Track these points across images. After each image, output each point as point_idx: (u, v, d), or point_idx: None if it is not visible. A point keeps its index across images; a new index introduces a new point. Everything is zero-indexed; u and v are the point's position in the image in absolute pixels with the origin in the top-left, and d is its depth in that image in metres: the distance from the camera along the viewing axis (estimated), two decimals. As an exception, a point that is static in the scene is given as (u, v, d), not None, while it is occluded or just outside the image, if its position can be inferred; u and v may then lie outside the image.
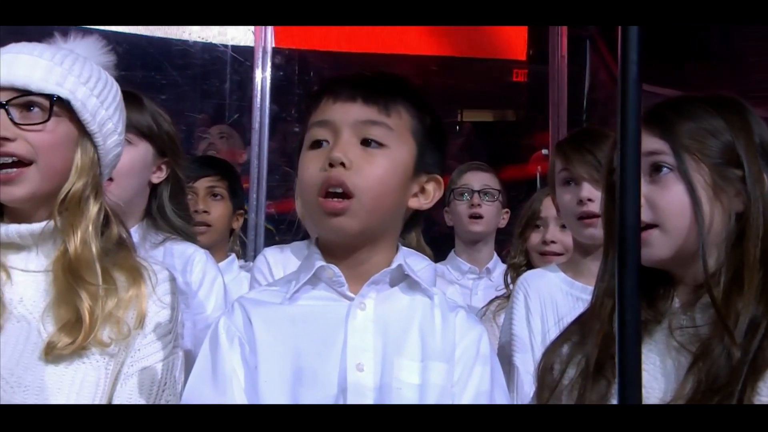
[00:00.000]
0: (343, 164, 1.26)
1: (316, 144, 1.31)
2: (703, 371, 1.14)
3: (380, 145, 1.29)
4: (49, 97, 1.36)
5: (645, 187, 1.22)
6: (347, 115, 1.30)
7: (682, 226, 1.21)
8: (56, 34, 1.48)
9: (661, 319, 1.25)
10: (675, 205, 1.21)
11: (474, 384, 1.31)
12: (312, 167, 1.29)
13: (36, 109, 1.36)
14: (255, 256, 3.56)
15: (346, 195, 1.26)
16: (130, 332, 1.35)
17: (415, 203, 1.35)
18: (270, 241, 3.81)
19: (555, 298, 1.91)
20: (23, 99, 1.35)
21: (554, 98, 4.38)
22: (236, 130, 4.19)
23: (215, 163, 2.79)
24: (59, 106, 1.37)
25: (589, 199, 1.88)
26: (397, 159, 1.30)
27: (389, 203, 1.30)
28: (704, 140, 1.22)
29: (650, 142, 1.23)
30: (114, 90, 1.47)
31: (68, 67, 1.39)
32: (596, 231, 1.88)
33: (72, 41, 1.48)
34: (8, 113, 1.34)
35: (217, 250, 2.44)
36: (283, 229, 3.91)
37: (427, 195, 1.36)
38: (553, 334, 1.76)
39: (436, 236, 3.39)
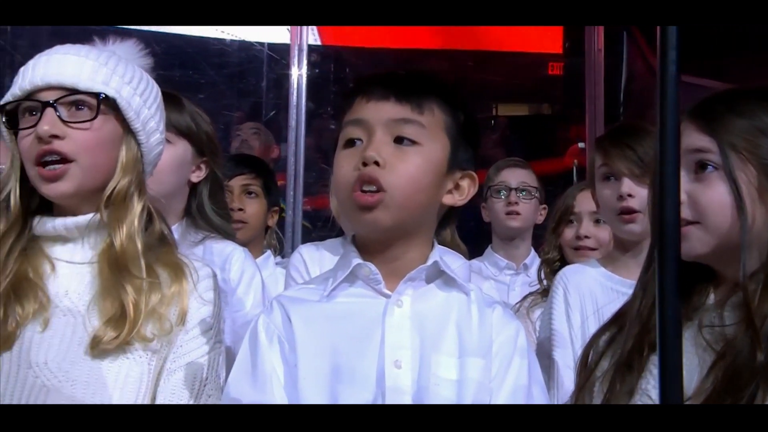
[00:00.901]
0: (376, 163, 1.27)
1: (350, 143, 1.32)
2: (721, 370, 1.13)
3: (413, 143, 1.30)
4: (96, 95, 1.39)
5: (689, 185, 1.21)
6: (380, 113, 1.31)
7: (722, 225, 1.19)
8: (95, 38, 1.51)
9: (693, 316, 1.23)
10: (717, 204, 1.19)
11: (512, 379, 1.31)
12: (346, 166, 1.30)
13: (84, 108, 1.39)
14: (292, 253, 3.59)
15: (378, 191, 1.27)
16: (172, 328, 1.37)
17: (449, 200, 1.35)
18: (307, 237, 3.83)
19: (594, 292, 1.89)
20: (72, 97, 1.38)
21: (591, 91, 4.34)
22: (272, 127, 4.21)
23: (250, 162, 2.81)
24: (105, 104, 1.39)
25: (630, 195, 1.87)
26: (430, 156, 1.31)
27: (422, 200, 1.31)
28: (755, 139, 1.19)
29: (697, 139, 1.21)
30: (155, 90, 1.49)
31: (113, 67, 1.42)
32: (636, 226, 1.87)
33: (111, 44, 1.51)
34: (57, 111, 1.37)
35: (252, 247, 2.46)
36: (320, 225, 3.93)
37: (462, 191, 1.36)
38: (591, 324, 1.76)
39: (473, 232, 3.38)
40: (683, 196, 1.19)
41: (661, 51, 0.71)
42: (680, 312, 0.68)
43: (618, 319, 1.33)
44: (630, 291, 1.33)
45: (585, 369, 1.32)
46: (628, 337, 1.26)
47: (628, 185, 1.87)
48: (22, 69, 1.41)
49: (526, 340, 1.37)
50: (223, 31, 4.15)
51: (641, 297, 1.28)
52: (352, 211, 1.31)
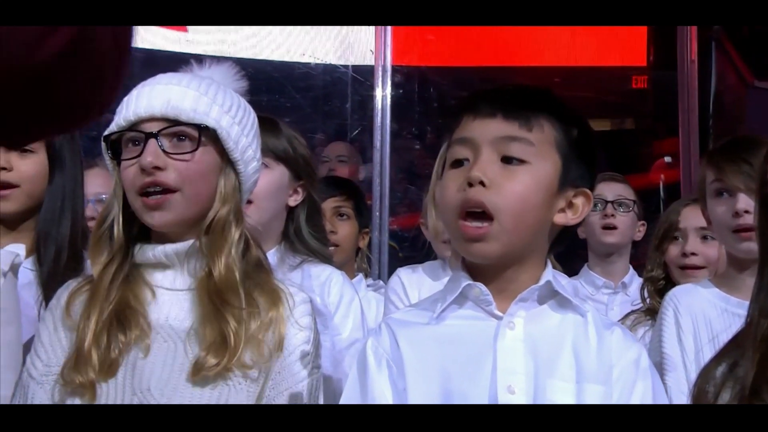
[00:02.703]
0: (482, 183, 1.23)
1: (457, 163, 1.29)
2: None
3: (521, 161, 1.26)
4: (197, 126, 1.39)
5: None
6: (487, 131, 1.27)
7: None
8: (192, 62, 1.51)
9: None
10: None
11: (636, 402, 1.26)
12: (452, 187, 1.27)
13: (185, 139, 1.40)
14: (380, 275, 3.58)
15: (486, 215, 1.23)
16: (271, 355, 1.36)
17: (561, 219, 1.30)
18: (393, 257, 3.82)
19: (708, 314, 1.81)
20: (174, 129, 1.39)
21: (684, 104, 4.20)
22: (356, 148, 4.22)
23: (341, 183, 2.81)
24: (206, 135, 1.40)
25: (746, 211, 1.78)
26: (539, 175, 1.26)
27: (531, 221, 1.26)
28: None
29: None
30: (252, 117, 1.49)
31: (213, 97, 1.42)
32: (753, 244, 1.78)
33: (207, 68, 1.51)
34: (159, 142, 1.38)
35: (345, 269, 2.45)
36: (406, 246, 3.91)
37: (576, 210, 1.31)
38: (707, 352, 1.68)
39: (562, 252, 3.30)
40: None
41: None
42: None
43: (734, 347, 1.26)
44: None
45: (702, 401, 1.25)
46: (749, 366, 1.19)
47: (744, 201, 1.79)
48: (125, 99, 1.42)
49: (649, 363, 1.31)
50: (305, 54, 4.20)
51: (758, 320, 1.21)
52: (459, 241, 1.28)
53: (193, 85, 1.42)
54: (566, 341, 1.28)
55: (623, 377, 1.27)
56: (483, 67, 4.26)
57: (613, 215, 2.73)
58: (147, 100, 1.40)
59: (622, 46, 4.64)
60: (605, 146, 5.18)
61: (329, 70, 4.24)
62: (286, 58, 4.19)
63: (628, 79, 4.89)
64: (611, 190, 2.77)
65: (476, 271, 1.30)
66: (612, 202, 2.74)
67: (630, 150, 5.09)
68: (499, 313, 1.28)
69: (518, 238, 1.26)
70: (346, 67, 4.24)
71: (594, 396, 1.24)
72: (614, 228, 2.74)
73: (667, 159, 4.55)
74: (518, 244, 1.26)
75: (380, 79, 4.01)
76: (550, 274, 1.31)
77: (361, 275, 2.68)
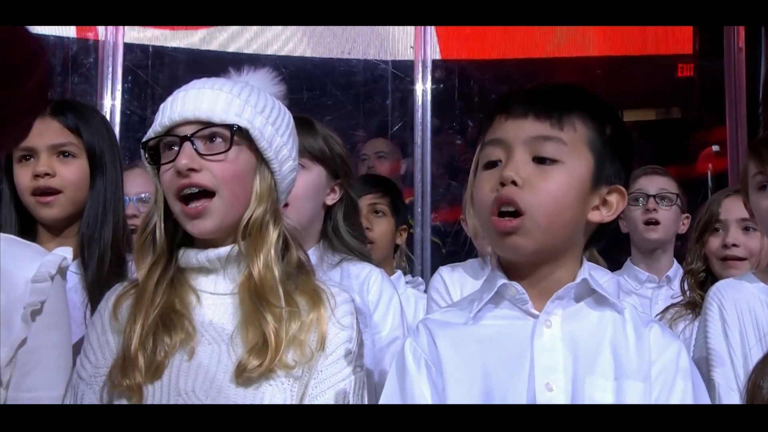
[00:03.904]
0: (515, 183, 1.24)
1: (490, 164, 1.29)
2: None
3: (554, 161, 1.26)
4: (229, 127, 1.41)
5: None
6: (519, 132, 1.27)
7: None
8: (230, 69, 1.53)
9: None
10: None
11: (676, 402, 1.25)
12: (486, 187, 1.28)
13: (218, 140, 1.41)
14: (422, 271, 3.59)
15: (518, 213, 1.24)
16: (312, 354, 1.37)
17: (596, 216, 1.30)
18: (437, 253, 3.82)
19: (754, 309, 1.77)
20: (207, 131, 1.41)
21: (731, 93, 4.11)
22: (397, 143, 4.23)
23: (377, 181, 2.82)
24: (239, 135, 1.41)
25: None
26: (572, 174, 1.26)
27: (565, 219, 1.26)
28: None
29: None
30: (287, 118, 1.50)
31: (245, 98, 1.44)
32: None
33: (245, 73, 1.53)
34: (193, 145, 1.40)
35: (383, 266, 2.45)
36: (449, 242, 3.91)
37: (610, 207, 1.30)
38: (756, 349, 1.65)
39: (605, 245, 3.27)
40: None
41: None
42: None
43: None
44: None
45: (756, 397, 1.23)
46: None
47: None
48: (162, 105, 1.45)
49: (689, 360, 1.30)
50: (342, 52, 4.21)
51: None
52: (493, 236, 1.29)
53: (225, 87, 1.44)
54: (605, 339, 1.28)
55: (663, 375, 1.26)
56: (524, 59, 4.24)
57: (655, 209, 2.68)
58: (181, 104, 1.42)
59: (667, 35, 4.58)
60: (651, 136, 5.10)
61: (369, 66, 4.25)
62: (327, 56, 4.21)
63: (674, 68, 4.81)
64: (653, 183, 2.73)
65: (512, 270, 1.31)
66: (654, 196, 2.70)
67: (676, 140, 5.01)
68: (536, 312, 1.28)
69: (552, 236, 1.26)
70: (386, 63, 4.25)
71: (633, 392, 1.24)
72: (657, 223, 2.69)
73: (715, 148, 4.48)
74: (552, 241, 1.26)
75: (420, 74, 4.01)
76: (587, 271, 1.31)
77: (399, 272, 2.68)
